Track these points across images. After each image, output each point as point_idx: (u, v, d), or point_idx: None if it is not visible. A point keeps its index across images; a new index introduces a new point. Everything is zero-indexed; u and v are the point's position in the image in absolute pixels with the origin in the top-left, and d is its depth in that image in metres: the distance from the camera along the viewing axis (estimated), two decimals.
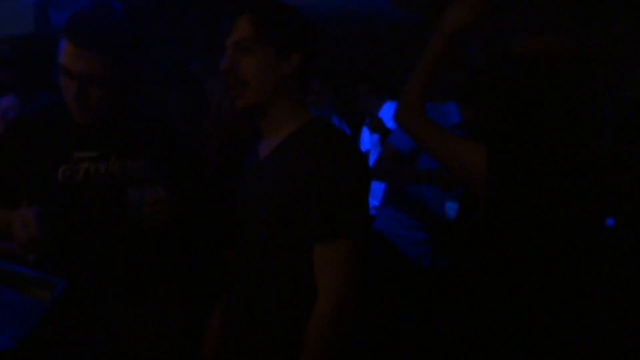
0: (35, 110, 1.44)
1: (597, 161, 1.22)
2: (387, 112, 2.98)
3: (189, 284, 1.54)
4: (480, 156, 1.19)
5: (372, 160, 2.88)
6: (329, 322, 1.03)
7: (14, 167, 1.34)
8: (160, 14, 3.18)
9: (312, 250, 1.06)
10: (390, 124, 2.75)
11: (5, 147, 1.37)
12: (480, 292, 1.23)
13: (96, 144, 1.34)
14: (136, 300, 1.38)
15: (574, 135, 1.20)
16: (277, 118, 1.14)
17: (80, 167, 1.32)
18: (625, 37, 2.71)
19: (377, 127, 2.74)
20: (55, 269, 1.27)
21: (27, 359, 0.96)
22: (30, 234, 1.11)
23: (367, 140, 3.20)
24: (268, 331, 1.12)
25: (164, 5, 3.26)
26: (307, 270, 1.07)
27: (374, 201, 2.59)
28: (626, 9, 2.76)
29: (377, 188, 2.48)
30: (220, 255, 1.39)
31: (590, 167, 1.19)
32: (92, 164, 1.33)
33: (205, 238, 1.59)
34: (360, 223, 1.06)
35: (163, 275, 1.45)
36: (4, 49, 5.20)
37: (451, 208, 2.08)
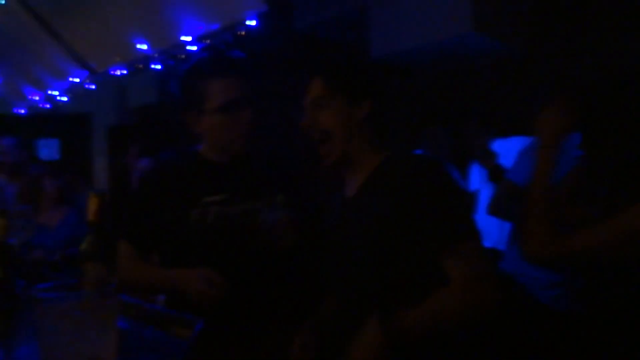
0: (165, 161, 1.57)
1: None
2: (497, 149, 2.88)
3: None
4: None
5: (483, 197, 2.77)
6: (455, 298, 1.08)
7: (150, 214, 1.44)
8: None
9: (428, 263, 1.12)
10: (502, 160, 2.64)
11: (142, 196, 1.49)
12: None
13: (223, 189, 1.42)
14: (277, 327, 1.40)
15: None
16: (358, 158, 1.27)
17: (210, 210, 1.40)
18: None
19: (489, 162, 2.64)
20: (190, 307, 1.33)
21: None
22: (215, 290, 1.24)
23: (477, 178, 3.09)
24: None
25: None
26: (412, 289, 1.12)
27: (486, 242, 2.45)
28: None
29: (488, 228, 2.35)
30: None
31: None
32: (221, 207, 1.41)
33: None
34: (475, 224, 1.14)
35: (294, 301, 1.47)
36: (131, 118, 5.80)
37: None
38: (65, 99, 3.92)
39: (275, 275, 1.44)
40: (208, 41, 2.59)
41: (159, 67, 3.07)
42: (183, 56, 2.78)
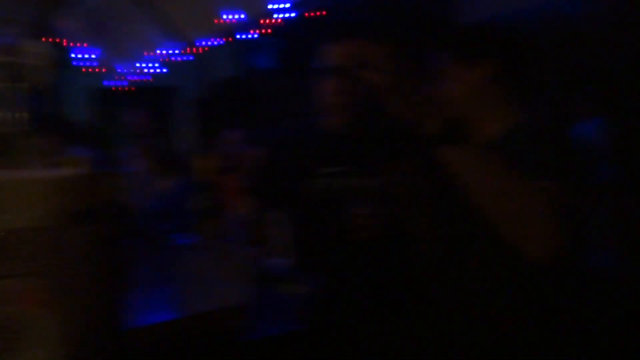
0: (290, 130, 1.65)
1: None
2: None
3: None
4: None
5: None
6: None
7: (275, 178, 1.49)
8: None
9: None
10: None
11: (270, 161, 1.54)
12: None
13: (341, 160, 1.41)
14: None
15: None
16: (479, 126, 1.21)
17: (326, 181, 1.40)
18: None
19: None
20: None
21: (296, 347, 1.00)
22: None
23: None
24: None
25: None
26: None
27: None
28: None
29: None
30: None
31: None
32: (337, 179, 1.40)
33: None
34: None
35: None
36: (209, 91, 5.93)
37: None
38: (158, 71, 4.04)
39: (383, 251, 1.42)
40: (303, 9, 2.55)
41: (254, 35, 3.07)
42: (278, 23, 2.75)
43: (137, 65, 3.94)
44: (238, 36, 3.19)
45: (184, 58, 3.88)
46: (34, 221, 0.78)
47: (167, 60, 3.92)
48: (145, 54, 3.71)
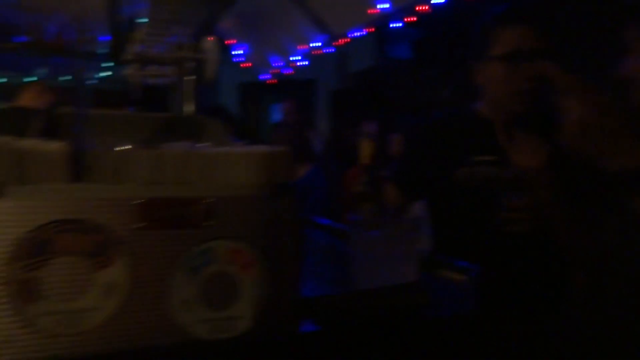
0: (439, 117, 1.59)
1: None
2: None
3: None
4: None
5: None
6: None
7: (420, 167, 1.47)
8: None
9: None
10: None
11: (413, 147, 1.53)
12: None
13: (495, 149, 1.36)
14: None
15: None
16: None
17: (478, 170, 1.36)
18: None
19: None
20: None
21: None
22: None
23: None
24: None
25: None
26: None
27: None
28: None
29: None
30: None
31: None
32: (490, 168, 1.36)
33: None
34: None
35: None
36: (349, 82, 6.05)
37: None
38: (306, 63, 4.22)
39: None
40: None
41: (399, 24, 3.09)
42: (425, 11, 2.72)
43: (290, 59, 4.15)
44: (383, 26, 3.21)
45: (327, 50, 4.01)
46: (240, 190, 0.87)
47: (311, 53, 4.08)
48: (298, 47, 3.89)
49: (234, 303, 0.85)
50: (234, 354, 0.86)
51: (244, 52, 4.75)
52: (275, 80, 4.93)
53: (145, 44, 1.26)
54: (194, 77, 1.24)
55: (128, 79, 1.29)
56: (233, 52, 4.70)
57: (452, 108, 1.69)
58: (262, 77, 4.90)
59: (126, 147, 0.82)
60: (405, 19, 2.91)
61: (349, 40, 3.62)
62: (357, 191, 1.40)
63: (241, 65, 4.80)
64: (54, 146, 0.78)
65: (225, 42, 4.50)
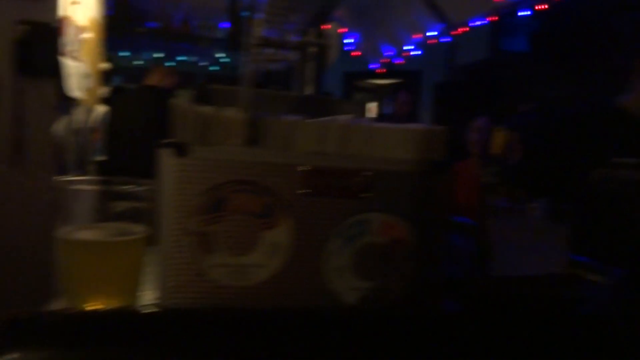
0: (575, 112, 1.50)
1: None
2: None
3: None
4: None
5: None
6: None
7: (550, 164, 1.40)
8: None
9: None
10: None
11: (545, 145, 1.45)
12: None
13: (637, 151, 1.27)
14: None
15: None
16: None
17: (617, 173, 1.28)
18: None
19: None
20: None
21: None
22: None
23: None
24: None
25: None
26: None
27: None
28: None
29: None
30: None
31: None
32: (632, 172, 1.27)
33: None
34: None
35: None
36: (456, 75, 5.91)
37: None
38: (419, 53, 4.17)
39: None
40: None
41: (527, 12, 2.94)
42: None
43: (403, 48, 4.12)
44: (509, 15, 3.07)
45: (443, 40, 3.92)
46: (397, 165, 0.88)
47: (425, 42, 4.02)
48: (413, 36, 3.85)
49: (384, 275, 0.87)
50: (380, 324, 0.88)
51: (354, 40, 4.78)
52: (385, 70, 4.91)
53: (264, 30, 1.30)
54: (314, 62, 1.27)
55: (248, 64, 1.34)
56: (344, 41, 4.74)
57: (588, 104, 1.58)
58: (371, 66, 4.91)
59: (295, 117, 0.87)
60: (536, 7, 2.76)
61: (467, 29, 3.51)
62: (486, 182, 1.37)
63: (351, 54, 4.83)
64: (233, 113, 0.84)
65: (338, 30, 4.55)
